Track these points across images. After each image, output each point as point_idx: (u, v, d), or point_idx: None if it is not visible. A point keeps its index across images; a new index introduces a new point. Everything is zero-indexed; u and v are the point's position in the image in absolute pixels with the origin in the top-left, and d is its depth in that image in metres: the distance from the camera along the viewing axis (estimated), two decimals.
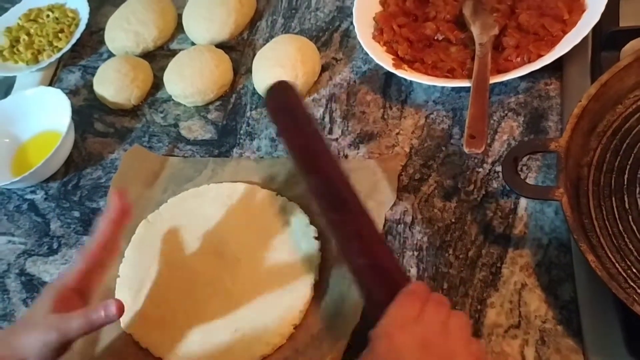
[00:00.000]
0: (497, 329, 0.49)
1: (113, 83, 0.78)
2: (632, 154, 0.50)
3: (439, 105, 0.65)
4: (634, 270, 0.45)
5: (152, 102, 0.79)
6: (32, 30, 0.91)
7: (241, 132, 0.72)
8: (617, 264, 0.45)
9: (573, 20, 0.61)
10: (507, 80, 0.60)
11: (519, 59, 0.60)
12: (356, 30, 0.69)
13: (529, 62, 0.60)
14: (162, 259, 0.63)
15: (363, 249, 0.45)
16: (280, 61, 0.70)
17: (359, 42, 0.70)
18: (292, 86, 0.57)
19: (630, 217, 0.47)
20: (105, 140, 0.77)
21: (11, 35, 0.92)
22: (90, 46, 0.90)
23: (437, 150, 0.61)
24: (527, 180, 0.55)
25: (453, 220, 0.56)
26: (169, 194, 0.68)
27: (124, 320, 0.59)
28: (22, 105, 0.80)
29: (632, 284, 0.44)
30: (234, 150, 0.70)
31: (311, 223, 0.60)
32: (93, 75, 0.82)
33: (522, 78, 0.62)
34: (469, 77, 0.61)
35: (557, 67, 0.61)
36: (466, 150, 0.53)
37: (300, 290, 0.56)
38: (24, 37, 0.90)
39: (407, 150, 0.63)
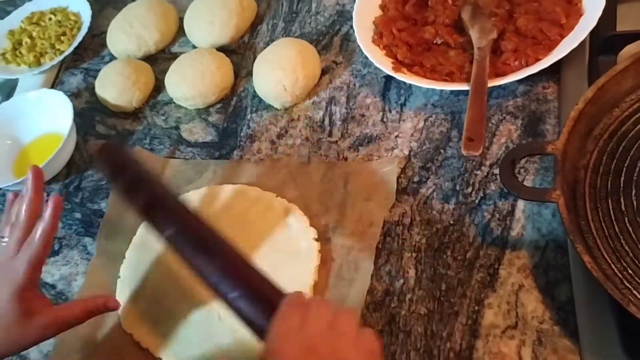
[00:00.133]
0: (495, 330, 0.50)
1: (115, 86, 0.79)
2: (629, 157, 0.50)
3: (437, 109, 0.65)
4: (630, 271, 0.45)
5: (153, 104, 0.80)
6: (34, 33, 0.91)
7: (242, 134, 0.72)
8: (613, 265, 0.46)
9: (570, 24, 0.61)
10: (505, 84, 0.61)
11: (516, 63, 0.61)
12: (356, 34, 0.70)
13: (527, 65, 0.60)
14: (163, 261, 0.63)
15: (232, 283, 0.45)
16: (280, 64, 0.71)
17: (358, 46, 0.70)
18: (121, 146, 0.56)
19: (626, 219, 0.48)
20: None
21: (14, 38, 0.92)
22: (92, 49, 0.91)
23: (436, 153, 0.62)
24: (525, 183, 0.56)
25: (451, 222, 0.57)
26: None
27: (124, 320, 0.60)
28: (24, 107, 0.80)
29: (627, 285, 0.44)
30: (235, 152, 0.71)
31: (310, 225, 0.60)
32: (95, 77, 0.83)
33: (520, 81, 0.62)
34: (467, 80, 0.62)
35: (554, 70, 0.62)
36: (464, 153, 0.54)
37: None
38: (26, 40, 0.91)
39: (406, 153, 0.63)
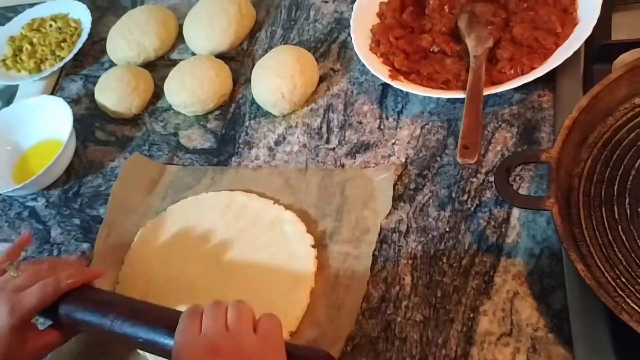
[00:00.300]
0: (490, 337, 0.50)
1: (114, 92, 0.79)
2: (622, 165, 0.51)
3: (434, 116, 0.66)
4: (623, 279, 0.45)
5: (152, 111, 0.80)
6: (35, 40, 0.92)
7: (240, 141, 0.73)
8: (606, 273, 0.46)
9: (566, 33, 0.62)
10: (501, 92, 0.61)
11: (512, 71, 0.61)
12: (353, 41, 0.70)
13: (522, 74, 0.61)
14: (161, 266, 0.63)
15: (133, 324, 0.50)
16: (278, 72, 0.71)
17: (356, 54, 0.71)
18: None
19: (619, 227, 0.48)
20: (105, 148, 0.78)
21: (14, 45, 0.93)
22: (92, 55, 0.92)
23: (432, 160, 0.62)
24: (520, 190, 0.56)
25: (447, 230, 0.57)
26: (168, 202, 0.69)
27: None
28: (24, 113, 0.81)
29: (620, 292, 0.45)
30: (233, 159, 0.71)
31: (308, 231, 0.61)
32: (94, 84, 0.84)
33: (515, 90, 0.63)
34: (463, 88, 0.62)
35: (550, 79, 0.62)
36: (459, 160, 0.54)
37: (297, 298, 0.57)
38: (26, 46, 0.92)
39: (403, 160, 0.64)
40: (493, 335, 0.50)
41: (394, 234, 0.59)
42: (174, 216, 0.67)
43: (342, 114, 0.70)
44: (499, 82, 0.62)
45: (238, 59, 0.81)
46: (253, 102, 0.75)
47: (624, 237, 0.47)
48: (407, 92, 0.67)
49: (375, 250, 0.58)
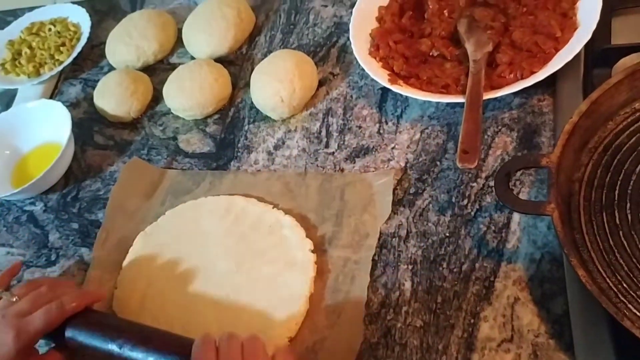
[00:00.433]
0: (490, 343, 0.50)
1: (113, 96, 0.79)
2: (623, 170, 0.51)
3: (434, 121, 0.66)
4: (624, 285, 0.45)
5: (151, 115, 0.80)
6: (34, 44, 0.92)
7: (239, 145, 0.72)
8: (607, 279, 0.46)
9: (565, 38, 0.62)
10: (501, 96, 0.61)
11: (512, 76, 0.61)
12: (352, 45, 0.70)
13: (522, 78, 0.61)
14: (160, 271, 0.63)
15: (141, 351, 0.50)
16: (278, 76, 0.71)
17: (355, 58, 0.71)
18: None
19: (620, 232, 0.48)
20: (104, 152, 0.78)
21: (13, 49, 0.93)
22: (91, 59, 0.91)
23: (432, 165, 0.62)
24: (520, 195, 0.56)
25: (447, 234, 0.57)
26: (167, 206, 0.68)
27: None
28: (23, 117, 0.81)
29: (622, 298, 0.44)
30: (232, 163, 0.71)
31: (307, 236, 0.61)
32: (93, 88, 0.84)
33: (515, 94, 0.62)
34: (463, 92, 0.62)
35: (550, 83, 0.62)
36: (459, 165, 0.54)
37: (296, 303, 0.56)
38: (26, 50, 0.92)
39: (403, 164, 0.63)
40: (494, 341, 0.50)
41: (394, 239, 0.58)
42: (172, 221, 0.67)
43: (342, 118, 0.70)
44: (499, 87, 0.61)
45: (237, 63, 0.81)
46: (252, 106, 0.75)
47: (625, 242, 0.47)
48: (406, 97, 0.67)
49: (374, 255, 0.58)
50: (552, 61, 0.61)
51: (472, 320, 0.51)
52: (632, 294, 0.45)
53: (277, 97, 0.70)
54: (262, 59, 0.77)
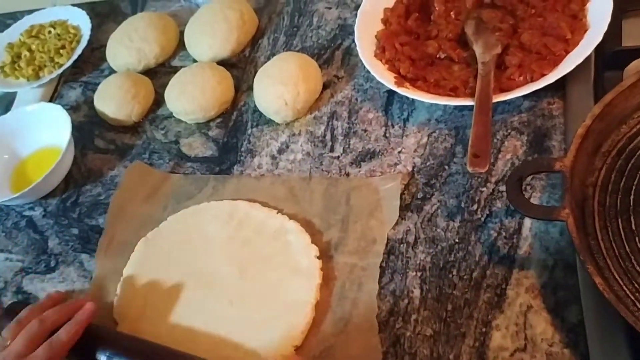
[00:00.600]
0: (503, 353, 0.48)
1: (114, 99, 0.78)
2: (638, 174, 0.49)
3: (441, 124, 0.64)
4: None
5: (152, 118, 0.79)
6: (33, 47, 0.91)
7: (242, 149, 0.71)
8: (624, 287, 0.44)
9: (575, 40, 0.61)
10: (510, 99, 0.60)
11: (521, 78, 0.60)
12: (358, 48, 0.69)
13: (532, 81, 0.60)
14: (162, 277, 0.62)
15: None
16: (281, 79, 0.70)
17: (360, 60, 0.70)
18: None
19: (637, 238, 0.46)
20: (105, 156, 0.77)
21: (13, 51, 0.92)
22: (91, 62, 0.90)
23: (440, 169, 0.61)
24: (532, 200, 0.55)
25: (457, 240, 0.56)
26: (169, 212, 0.67)
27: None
28: (22, 121, 0.80)
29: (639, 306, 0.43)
30: (235, 167, 0.70)
31: (312, 242, 0.59)
32: (94, 91, 0.82)
33: (524, 97, 0.61)
34: (471, 95, 0.61)
35: (559, 86, 0.61)
36: (470, 169, 0.53)
37: (301, 311, 0.55)
38: (25, 53, 0.90)
39: (410, 168, 0.62)
40: (507, 351, 0.48)
41: (402, 245, 0.57)
42: (175, 226, 0.65)
43: (347, 122, 0.69)
44: (508, 89, 0.60)
45: (240, 66, 0.80)
46: (255, 109, 0.74)
47: None
48: (413, 100, 0.66)
49: (382, 261, 0.56)
50: (563, 63, 0.60)
51: (483, 329, 0.50)
52: None
53: (281, 100, 0.69)
54: (265, 61, 0.76)
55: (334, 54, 0.76)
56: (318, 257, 0.58)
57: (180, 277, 0.61)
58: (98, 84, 0.82)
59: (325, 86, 0.73)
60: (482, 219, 0.56)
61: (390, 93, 0.69)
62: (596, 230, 0.47)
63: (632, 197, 0.48)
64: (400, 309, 0.53)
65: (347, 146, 0.67)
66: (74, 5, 0.96)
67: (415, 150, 0.63)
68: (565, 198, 0.46)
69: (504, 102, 0.61)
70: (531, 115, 0.61)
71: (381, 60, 0.68)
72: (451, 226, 0.57)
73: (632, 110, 0.52)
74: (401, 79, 0.65)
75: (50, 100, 0.87)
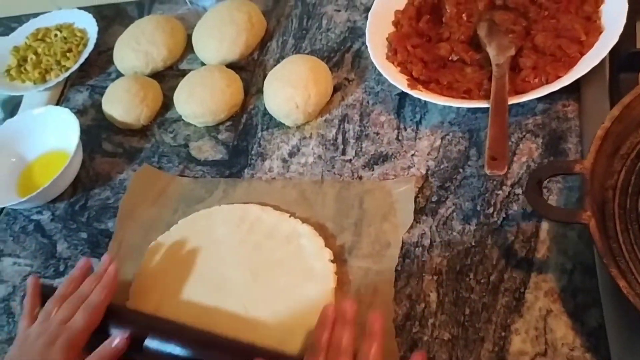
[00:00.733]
0: (523, 357, 0.48)
1: (122, 102, 0.77)
2: None
3: (454, 127, 0.64)
4: None
5: (161, 122, 0.78)
6: (39, 50, 0.90)
7: (252, 152, 0.71)
8: None
9: (590, 41, 0.60)
10: (524, 102, 0.60)
11: (536, 80, 0.59)
12: (369, 50, 0.69)
13: (547, 83, 0.59)
14: (173, 282, 0.61)
15: None
16: (292, 81, 0.69)
17: (371, 63, 0.69)
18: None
19: None
20: (113, 160, 0.76)
21: (18, 55, 0.91)
22: (98, 66, 0.90)
23: (455, 172, 0.60)
24: (549, 203, 0.54)
25: (473, 244, 0.55)
26: (180, 215, 0.66)
27: None
28: (29, 124, 0.79)
29: None
30: (245, 170, 0.69)
31: (325, 246, 0.59)
32: (101, 94, 0.82)
33: (539, 99, 0.61)
34: (485, 97, 0.60)
35: (574, 88, 0.60)
36: (488, 172, 0.52)
37: (316, 315, 0.54)
38: (31, 56, 0.90)
39: (424, 171, 0.62)
40: (527, 356, 0.48)
41: (417, 249, 0.56)
42: (185, 230, 0.64)
43: (358, 125, 0.68)
44: (523, 91, 0.60)
45: (249, 69, 0.79)
46: (265, 112, 0.73)
47: None
48: (425, 102, 0.66)
49: (397, 265, 0.56)
50: (578, 65, 0.59)
51: (502, 334, 0.49)
52: None
53: (292, 103, 0.69)
54: (275, 64, 0.75)
55: (343, 57, 0.76)
56: (332, 261, 0.57)
57: (191, 281, 0.60)
58: (105, 88, 0.82)
59: (335, 89, 0.72)
60: (499, 222, 0.56)
61: (402, 96, 0.68)
62: (617, 233, 0.47)
63: None
64: (417, 313, 0.53)
65: (359, 149, 0.66)
66: (79, 8, 0.95)
67: (428, 153, 0.63)
68: (586, 201, 0.46)
69: (518, 104, 0.60)
70: (546, 117, 0.61)
71: (393, 63, 0.68)
72: (467, 229, 0.56)
73: None
74: (414, 81, 0.65)
75: (57, 104, 0.86)
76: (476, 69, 0.64)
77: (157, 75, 0.83)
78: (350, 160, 0.66)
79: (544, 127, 0.60)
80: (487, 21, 0.66)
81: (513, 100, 0.59)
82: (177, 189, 0.69)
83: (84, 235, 0.70)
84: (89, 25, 0.91)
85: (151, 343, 0.53)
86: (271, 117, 0.72)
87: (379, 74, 0.69)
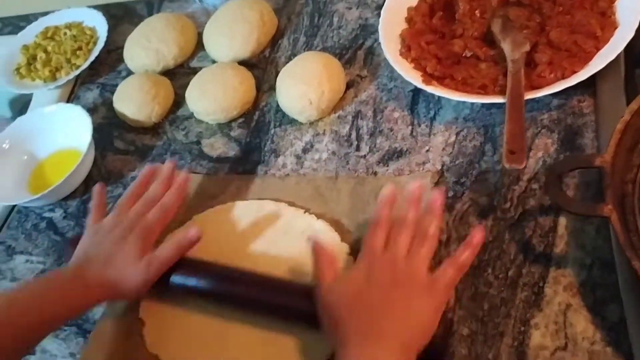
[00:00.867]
0: (544, 352, 0.48)
1: (134, 100, 0.77)
2: None
3: (469, 122, 0.64)
4: None
5: (173, 119, 0.78)
6: (49, 48, 0.90)
7: (265, 149, 0.70)
8: None
9: (605, 37, 0.60)
10: (539, 97, 0.59)
11: (552, 75, 0.59)
12: (383, 47, 0.69)
13: (563, 78, 0.59)
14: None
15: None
16: (305, 78, 0.69)
17: (383, 60, 0.69)
18: None
19: None
20: (125, 158, 0.76)
21: (28, 53, 0.91)
22: (108, 64, 0.90)
23: (470, 168, 0.60)
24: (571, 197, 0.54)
25: (490, 239, 0.55)
26: (193, 212, 0.66)
27: (149, 340, 0.57)
28: (41, 122, 0.79)
29: None
30: (259, 167, 0.69)
31: (342, 241, 0.58)
32: (111, 92, 0.82)
33: (554, 95, 0.61)
34: (501, 93, 0.60)
35: (589, 84, 0.60)
36: (507, 166, 0.52)
37: None
38: (41, 54, 0.90)
39: (439, 167, 0.61)
40: (547, 350, 0.48)
41: None
42: (199, 225, 0.64)
43: (372, 121, 0.68)
44: (538, 87, 0.60)
45: (260, 67, 0.79)
46: (278, 109, 0.73)
47: None
48: (439, 98, 0.66)
49: None
50: (593, 60, 0.59)
51: (522, 328, 0.49)
52: None
53: (305, 99, 0.69)
54: (286, 62, 0.75)
55: (356, 54, 0.76)
56: (350, 254, 0.57)
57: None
58: (115, 86, 0.82)
59: (348, 86, 0.72)
60: (516, 217, 0.55)
61: (416, 92, 0.68)
62: (638, 227, 0.47)
63: None
64: None
65: (373, 145, 0.66)
66: (88, 7, 0.95)
67: (443, 149, 0.63)
68: (607, 194, 0.46)
69: (533, 100, 0.60)
70: (561, 113, 0.61)
71: (407, 60, 0.68)
72: (484, 225, 0.56)
73: None
74: (428, 77, 0.65)
75: (67, 102, 0.86)
76: (491, 65, 0.64)
77: (167, 73, 0.83)
78: (365, 156, 0.66)
79: (560, 123, 0.60)
80: (501, 17, 0.66)
81: (529, 96, 0.59)
82: (190, 186, 0.69)
83: None
84: (99, 24, 0.92)
85: (176, 279, 0.56)
86: (284, 114, 0.72)
87: (392, 71, 0.69)
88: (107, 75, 0.88)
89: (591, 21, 0.61)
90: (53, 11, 0.97)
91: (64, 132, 0.77)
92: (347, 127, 0.69)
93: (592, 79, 0.60)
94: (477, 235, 0.48)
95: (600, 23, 0.61)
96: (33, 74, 0.89)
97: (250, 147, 0.71)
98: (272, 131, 0.72)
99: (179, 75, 0.83)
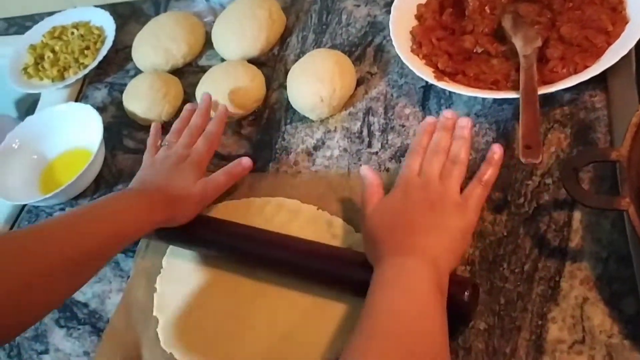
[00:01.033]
0: (561, 345, 0.48)
1: (145, 99, 0.77)
2: None
3: (481, 118, 0.64)
4: None
5: None
6: (57, 48, 0.90)
7: (276, 146, 0.71)
8: None
9: (616, 32, 0.61)
10: (551, 93, 0.60)
11: (564, 70, 0.60)
12: (394, 43, 0.69)
13: (575, 73, 0.59)
14: (202, 275, 0.61)
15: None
16: (316, 75, 0.69)
17: (393, 57, 0.69)
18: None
19: None
20: (136, 156, 0.76)
21: (35, 53, 0.91)
22: (115, 63, 0.90)
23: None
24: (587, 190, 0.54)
25: (505, 234, 0.55)
26: (205, 209, 0.66)
27: (164, 338, 0.58)
28: (50, 121, 0.79)
29: None
30: (270, 164, 0.69)
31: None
32: (120, 92, 0.82)
33: (565, 90, 0.61)
34: (513, 88, 0.60)
35: (600, 79, 0.60)
36: (523, 160, 0.52)
37: (355, 308, 0.54)
38: (48, 54, 0.90)
39: None
40: (564, 344, 0.48)
41: None
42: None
43: (383, 118, 0.68)
44: (551, 82, 0.60)
45: (269, 65, 0.79)
46: (288, 107, 0.73)
47: None
48: (450, 94, 0.66)
49: None
50: (605, 55, 0.59)
51: (539, 322, 0.49)
52: None
53: (317, 96, 0.69)
54: (295, 59, 0.75)
55: (365, 51, 0.76)
56: None
57: (221, 274, 0.60)
58: (124, 85, 0.82)
59: (358, 83, 0.72)
60: (530, 211, 0.56)
61: (427, 88, 0.68)
62: None
63: None
64: None
65: (385, 142, 0.66)
66: (95, 6, 0.95)
67: None
68: (624, 187, 0.46)
69: (545, 95, 0.60)
70: (573, 108, 0.61)
71: (418, 56, 0.68)
72: (498, 220, 0.56)
73: None
74: (440, 73, 0.65)
75: (76, 101, 0.86)
76: (502, 61, 0.64)
77: (176, 72, 0.83)
78: (377, 152, 0.66)
79: (572, 118, 0.60)
80: (512, 13, 0.66)
81: (542, 91, 0.59)
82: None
83: None
84: (106, 23, 0.92)
85: (219, 238, 0.60)
86: (294, 111, 0.72)
87: (402, 67, 0.69)
88: (115, 75, 0.88)
89: (602, 16, 0.61)
90: (59, 11, 0.97)
91: (74, 132, 0.77)
92: (359, 123, 0.69)
93: (603, 74, 0.60)
94: (497, 151, 0.53)
95: (611, 18, 0.61)
96: (41, 74, 0.89)
97: (261, 145, 0.72)
98: (283, 128, 0.72)
99: (187, 73, 0.83)
